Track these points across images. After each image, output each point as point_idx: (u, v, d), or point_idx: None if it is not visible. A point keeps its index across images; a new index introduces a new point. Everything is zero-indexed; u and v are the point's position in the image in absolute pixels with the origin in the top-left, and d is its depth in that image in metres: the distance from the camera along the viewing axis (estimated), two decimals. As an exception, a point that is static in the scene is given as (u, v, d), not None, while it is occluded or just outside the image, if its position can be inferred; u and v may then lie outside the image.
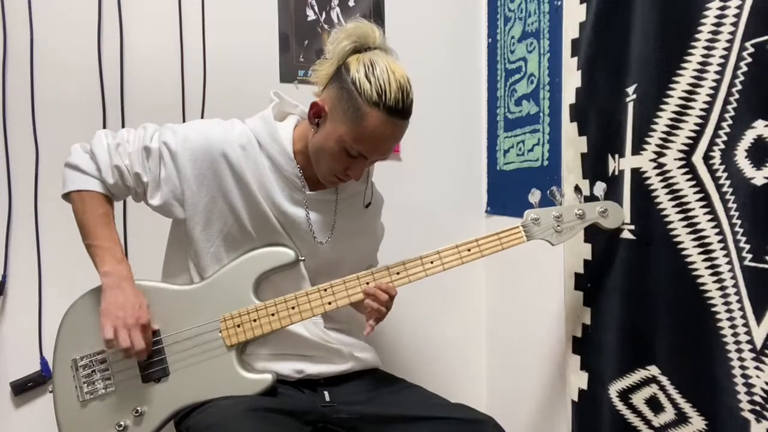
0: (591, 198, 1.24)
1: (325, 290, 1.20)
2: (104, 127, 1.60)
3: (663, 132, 1.11)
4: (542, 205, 1.23)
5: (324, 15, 1.79)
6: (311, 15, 1.78)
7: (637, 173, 1.18)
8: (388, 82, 1.07)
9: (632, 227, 1.21)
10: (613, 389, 1.25)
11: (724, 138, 1.00)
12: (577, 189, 1.27)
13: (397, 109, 1.08)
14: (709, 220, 1.03)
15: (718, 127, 1.01)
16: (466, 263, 1.21)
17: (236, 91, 1.70)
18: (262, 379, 1.17)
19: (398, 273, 1.20)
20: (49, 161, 1.56)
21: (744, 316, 0.96)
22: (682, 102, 1.07)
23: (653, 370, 1.16)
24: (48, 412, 1.56)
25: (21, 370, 1.56)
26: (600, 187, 1.22)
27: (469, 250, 1.21)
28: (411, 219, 1.83)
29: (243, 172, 1.17)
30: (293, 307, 1.19)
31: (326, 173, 1.17)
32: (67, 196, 1.20)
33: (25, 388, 1.56)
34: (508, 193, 1.77)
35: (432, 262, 1.21)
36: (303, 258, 1.23)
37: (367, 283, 1.19)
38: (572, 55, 1.38)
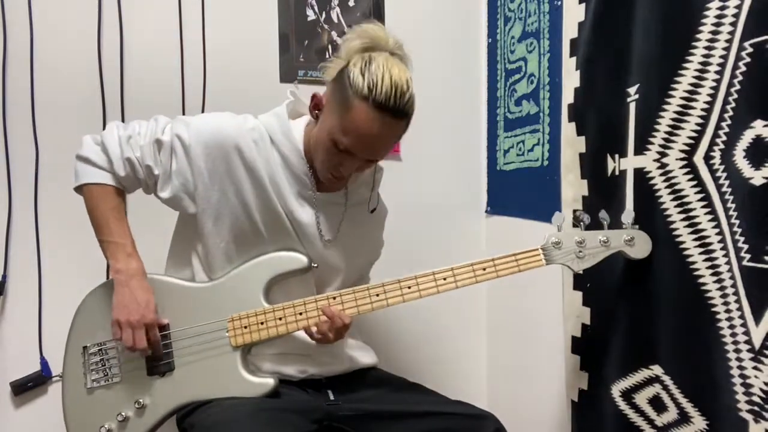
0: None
1: (334, 299, 1.18)
2: (104, 127, 1.60)
3: (665, 132, 1.11)
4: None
5: (324, 15, 1.79)
6: (311, 15, 1.78)
7: (640, 173, 1.17)
8: (380, 78, 1.05)
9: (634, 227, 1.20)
10: (616, 389, 1.24)
11: (724, 138, 1.00)
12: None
13: (387, 106, 1.06)
14: (710, 221, 1.03)
15: (718, 127, 1.01)
16: (480, 282, 1.17)
17: (236, 91, 1.69)
18: (264, 383, 1.17)
19: (409, 287, 1.17)
20: (49, 161, 1.56)
21: (742, 316, 0.96)
22: (684, 102, 1.07)
23: (656, 370, 1.15)
24: (48, 413, 1.56)
25: (21, 370, 1.56)
26: (629, 215, 1.15)
27: (484, 269, 1.17)
28: (411, 219, 1.82)
29: (255, 165, 1.17)
30: (301, 313, 1.18)
31: (321, 168, 1.17)
32: (78, 189, 1.21)
33: (25, 388, 1.56)
34: (508, 193, 1.77)
35: (445, 279, 1.17)
36: (316, 265, 1.22)
37: (377, 295, 1.17)
38: (571, 55, 1.38)
